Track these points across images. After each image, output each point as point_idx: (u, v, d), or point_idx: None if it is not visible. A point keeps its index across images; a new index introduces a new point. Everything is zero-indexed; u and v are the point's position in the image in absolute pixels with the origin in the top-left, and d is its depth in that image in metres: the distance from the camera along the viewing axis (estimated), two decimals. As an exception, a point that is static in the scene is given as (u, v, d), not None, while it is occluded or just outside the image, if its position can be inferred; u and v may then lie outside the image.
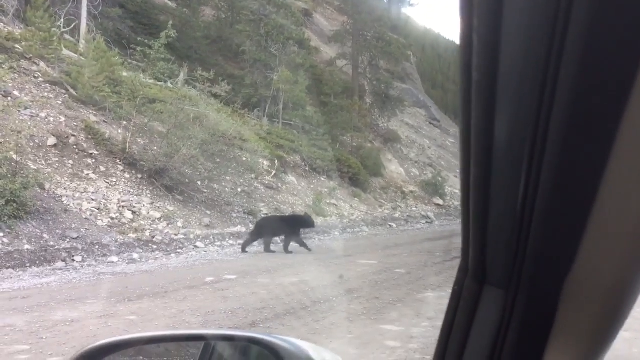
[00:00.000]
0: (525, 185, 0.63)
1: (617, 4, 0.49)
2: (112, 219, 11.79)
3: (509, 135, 0.63)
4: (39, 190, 11.00)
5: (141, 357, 1.90)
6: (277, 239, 12.98)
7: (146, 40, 15.62)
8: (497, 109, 0.62)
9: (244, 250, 12.29)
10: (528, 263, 0.68)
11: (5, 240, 9.52)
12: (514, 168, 0.63)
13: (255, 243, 12.70)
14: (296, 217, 14.14)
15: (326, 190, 20.54)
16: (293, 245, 12.44)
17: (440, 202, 26.78)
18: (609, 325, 0.71)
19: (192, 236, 12.66)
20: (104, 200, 12.17)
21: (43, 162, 12.02)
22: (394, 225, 20.50)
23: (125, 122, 14.89)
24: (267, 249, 12.41)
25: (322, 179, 21.30)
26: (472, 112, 0.64)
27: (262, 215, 15.80)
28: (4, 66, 13.61)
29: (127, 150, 13.96)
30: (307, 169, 21.23)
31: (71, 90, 14.86)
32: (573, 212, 0.62)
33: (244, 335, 2.07)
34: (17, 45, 15.13)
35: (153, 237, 11.88)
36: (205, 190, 15.48)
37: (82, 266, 9.69)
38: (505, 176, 0.66)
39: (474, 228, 0.73)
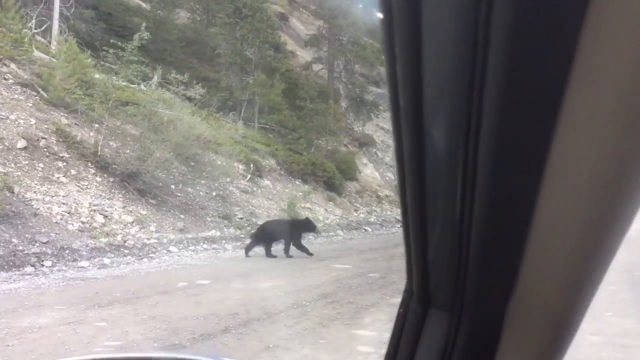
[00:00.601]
0: (461, 209, 0.61)
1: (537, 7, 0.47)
2: (83, 223, 11.61)
3: (440, 158, 0.61)
4: (8, 194, 10.77)
5: None
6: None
7: (119, 42, 15.40)
8: (426, 138, 0.60)
9: (247, 254, 12.21)
10: (470, 286, 0.67)
11: (-28, 245, 9.31)
12: (448, 192, 0.61)
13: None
14: (298, 221, 14.18)
15: (301, 194, 20.50)
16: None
17: (415, 206, 26.80)
18: (554, 346, 0.70)
19: (165, 240, 12.52)
20: (74, 204, 11.97)
21: (12, 165, 11.79)
22: (369, 229, 20.52)
23: (97, 125, 14.66)
24: (269, 254, 12.35)
25: (297, 183, 21.26)
26: (403, 136, 0.62)
27: (237, 220, 15.73)
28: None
29: (99, 154, 13.76)
30: (282, 172, 21.18)
31: (42, 92, 14.61)
32: (511, 235, 0.60)
33: (176, 357, 2.04)
34: (-14, 47, 14.86)
35: (125, 241, 11.72)
36: (179, 194, 15.33)
37: (51, 271, 9.51)
38: (441, 199, 0.65)
39: (415, 252, 0.71)
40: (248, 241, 12.87)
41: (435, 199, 0.65)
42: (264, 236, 12.61)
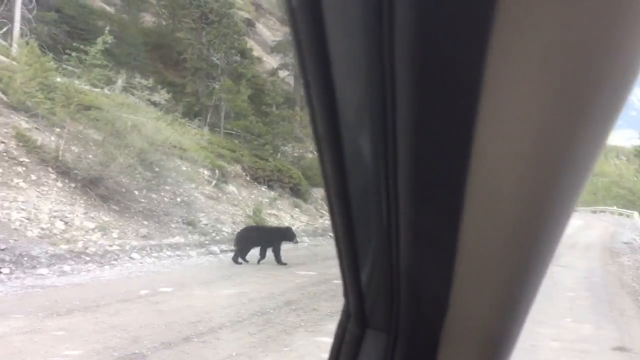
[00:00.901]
0: (388, 233, 0.60)
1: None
2: (42, 229, 11.35)
3: (363, 184, 0.60)
4: (-36, 200, 10.50)
5: None
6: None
7: (82, 46, 15.16)
8: (347, 163, 0.59)
9: (236, 261, 12.15)
10: (404, 307, 0.67)
11: None
12: (374, 216, 0.61)
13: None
14: (279, 229, 14.17)
15: (267, 200, 20.44)
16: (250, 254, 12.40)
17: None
18: None
19: (127, 247, 12.32)
20: (34, 210, 11.71)
21: (-31, 170, 11.50)
22: (335, 236, 20.50)
23: (58, 130, 14.38)
24: (240, 260, 12.28)
25: (263, 189, 21.20)
26: (324, 161, 0.61)
27: (202, 226, 15.61)
28: None
29: (60, 159, 13.49)
30: (248, 178, 21.10)
31: (2, 96, 14.29)
32: (438, 256, 0.60)
33: None
34: (-57, 48, 14.49)
35: (86, 248, 11.50)
36: (143, 200, 15.13)
37: (9, 279, 9.27)
38: (368, 224, 0.64)
39: (348, 275, 0.71)
40: (230, 248, 12.85)
41: (363, 224, 0.65)
42: (245, 241, 12.56)
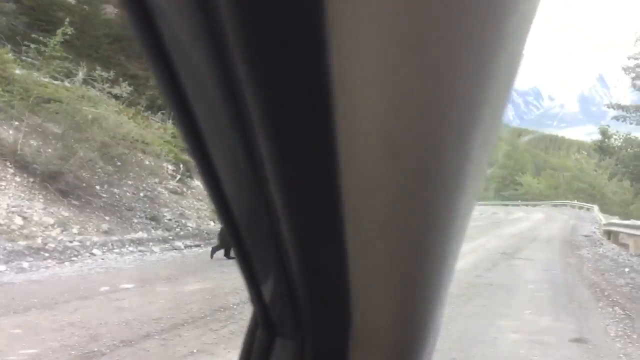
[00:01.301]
0: (279, 249, 0.58)
1: None
2: (0, 225, 11.08)
3: (247, 209, 0.58)
4: None
5: None
6: None
7: (42, 37, 14.83)
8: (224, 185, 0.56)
9: (212, 257, 11.71)
10: (307, 315, 0.65)
11: None
12: (265, 236, 0.58)
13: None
14: None
15: (232, 195, 20.31)
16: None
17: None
18: None
19: (88, 243, 12.10)
20: (-9, 206, 11.42)
21: None
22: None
23: (17, 123, 14.03)
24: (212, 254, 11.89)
25: (229, 184, 21.06)
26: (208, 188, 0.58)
27: (166, 221, 15.44)
28: None
29: (19, 152, 13.17)
30: (213, 173, 20.93)
31: (-44, 88, 13.90)
32: (327, 259, 0.57)
33: None
34: None
35: (45, 244, 11.25)
36: (104, 195, 14.87)
37: (-36, 276, 9.04)
38: (259, 241, 0.61)
39: (251, 289, 0.68)
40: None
41: (251, 233, 0.62)
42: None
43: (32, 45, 14.77)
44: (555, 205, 58.17)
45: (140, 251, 12.47)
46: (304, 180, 0.49)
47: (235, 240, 0.62)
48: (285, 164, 0.48)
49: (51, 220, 12.16)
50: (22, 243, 10.85)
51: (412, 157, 0.46)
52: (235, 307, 7.59)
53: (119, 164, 15.47)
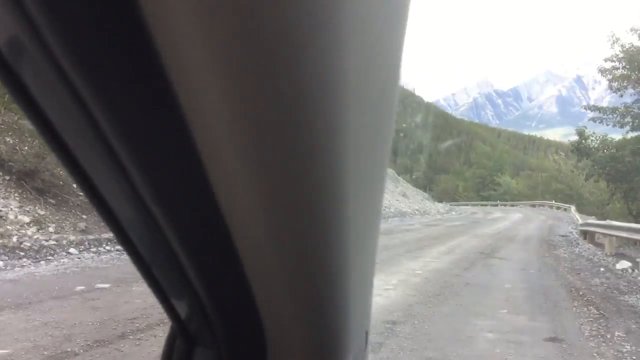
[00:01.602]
0: (167, 251, 0.57)
1: None
2: (-27, 223, 10.93)
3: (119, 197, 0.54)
4: None
5: None
6: None
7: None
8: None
9: None
10: (220, 324, 0.65)
11: None
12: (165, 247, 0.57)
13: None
14: None
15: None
16: None
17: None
18: None
19: (65, 242, 11.97)
20: (-35, 204, 11.26)
21: None
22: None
23: (-8, 120, 13.88)
24: None
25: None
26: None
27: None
28: None
29: (-6, 150, 13.02)
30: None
31: None
32: (221, 267, 0.57)
33: None
34: None
35: (21, 243, 11.11)
36: (81, 194, 14.66)
37: (-64, 276, 8.90)
38: (157, 254, 0.60)
39: (159, 300, 0.68)
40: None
41: (155, 259, 0.61)
42: None
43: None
44: (533, 206, 58.74)
45: (117, 250, 12.34)
46: (173, 189, 0.48)
47: (134, 257, 0.60)
48: (147, 170, 0.46)
49: (27, 219, 12.02)
50: (-3, 242, 10.71)
51: (277, 157, 0.43)
52: (212, 306, 7.56)
53: (96, 162, 15.32)
